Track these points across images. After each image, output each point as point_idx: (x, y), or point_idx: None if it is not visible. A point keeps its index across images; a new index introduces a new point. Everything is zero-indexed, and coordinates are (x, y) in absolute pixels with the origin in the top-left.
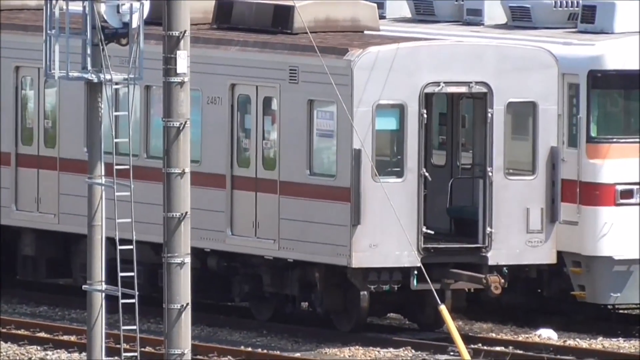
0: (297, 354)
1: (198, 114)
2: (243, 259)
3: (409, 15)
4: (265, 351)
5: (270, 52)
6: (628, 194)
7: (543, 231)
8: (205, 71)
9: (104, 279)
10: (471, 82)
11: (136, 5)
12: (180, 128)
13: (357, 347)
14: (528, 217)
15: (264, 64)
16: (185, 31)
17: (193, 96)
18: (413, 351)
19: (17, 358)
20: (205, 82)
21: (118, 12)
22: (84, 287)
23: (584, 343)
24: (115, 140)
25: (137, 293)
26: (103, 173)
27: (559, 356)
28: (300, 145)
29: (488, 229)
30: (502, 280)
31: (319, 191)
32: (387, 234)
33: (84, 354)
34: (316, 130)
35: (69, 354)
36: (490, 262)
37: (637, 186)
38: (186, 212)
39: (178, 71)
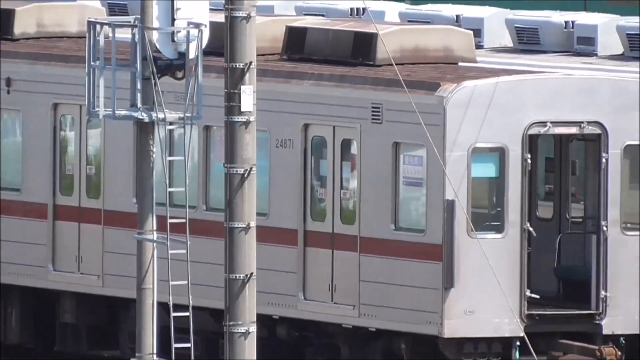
0: None
1: (265, 158)
2: (317, 328)
3: (510, 44)
4: None
5: (349, 87)
6: None
7: None
8: (274, 109)
9: (155, 351)
10: (583, 122)
11: (194, 32)
12: (245, 175)
13: None
14: None
15: (342, 100)
16: (250, 63)
17: (260, 138)
18: None
19: None
20: (274, 121)
21: (173, 40)
22: None
23: None
24: (169, 189)
25: None
26: (155, 228)
27: None
28: (383, 195)
29: (602, 292)
30: (619, 353)
31: (406, 248)
32: (485, 298)
33: None
34: (402, 178)
35: None
36: (605, 331)
37: None
38: (251, 274)
39: (242, 109)
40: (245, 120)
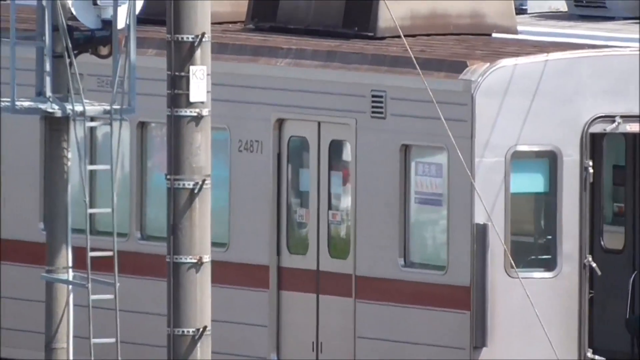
0: None
1: (224, 167)
2: None
3: (563, 8)
4: None
5: (340, 68)
6: None
7: None
8: (235, 98)
9: None
10: None
11: None
12: (196, 190)
13: None
14: None
15: (330, 87)
16: (203, 34)
17: (216, 139)
18: None
19: None
20: (237, 116)
21: (95, 3)
22: None
23: None
24: (90, 210)
25: None
26: (70, 264)
27: None
28: (388, 218)
29: None
30: None
31: (420, 292)
32: None
33: None
34: (414, 193)
35: None
36: None
37: None
38: (205, 327)
39: (192, 99)
40: (195, 114)
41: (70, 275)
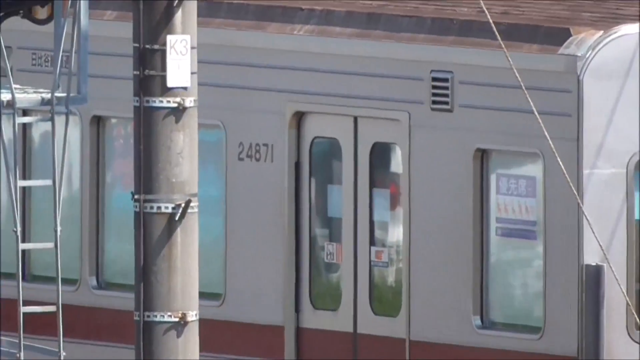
0: None
1: (218, 183)
2: None
3: None
4: None
5: (386, 38)
6: None
7: None
8: (235, 83)
9: None
10: None
11: None
12: (177, 217)
13: None
14: None
15: (372, 65)
16: None
17: (206, 142)
18: None
19: None
20: (236, 108)
21: None
22: None
23: None
24: (22, 246)
25: None
26: None
27: None
28: (458, 256)
29: None
30: None
31: None
32: None
33: None
34: (496, 221)
35: None
36: None
37: None
38: None
39: (170, 83)
40: (175, 105)
41: None
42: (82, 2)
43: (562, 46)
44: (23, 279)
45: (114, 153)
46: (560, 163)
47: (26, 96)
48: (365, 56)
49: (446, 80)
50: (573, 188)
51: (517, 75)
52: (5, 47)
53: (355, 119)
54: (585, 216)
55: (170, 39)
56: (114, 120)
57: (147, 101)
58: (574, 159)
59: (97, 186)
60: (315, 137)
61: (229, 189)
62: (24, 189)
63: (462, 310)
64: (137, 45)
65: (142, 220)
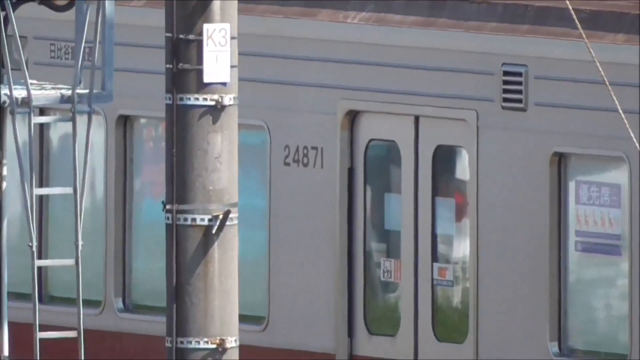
0: None
1: (261, 191)
2: None
3: None
4: None
5: (452, 27)
6: None
7: None
8: (280, 79)
9: None
10: None
11: None
12: (214, 230)
13: None
14: None
15: (436, 58)
16: None
17: (248, 144)
18: None
19: None
20: (281, 107)
21: None
22: None
23: None
24: (38, 262)
25: None
26: (6, 351)
27: None
28: (533, 275)
29: None
30: None
31: None
32: None
33: None
34: (575, 235)
35: None
36: None
37: None
38: None
39: (207, 78)
40: (213, 103)
41: None
42: None
43: None
44: (39, 300)
45: (143, 157)
46: None
47: (43, 93)
48: (428, 48)
49: (519, 74)
50: None
51: (600, 69)
52: (20, 37)
53: (416, 119)
54: None
55: (207, 27)
56: (143, 121)
57: (181, 99)
58: None
59: (123, 195)
60: (370, 140)
61: (273, 198)
62: (40, 198)
63: (537, 336)
64: (169, 35)
65: (175, 234)
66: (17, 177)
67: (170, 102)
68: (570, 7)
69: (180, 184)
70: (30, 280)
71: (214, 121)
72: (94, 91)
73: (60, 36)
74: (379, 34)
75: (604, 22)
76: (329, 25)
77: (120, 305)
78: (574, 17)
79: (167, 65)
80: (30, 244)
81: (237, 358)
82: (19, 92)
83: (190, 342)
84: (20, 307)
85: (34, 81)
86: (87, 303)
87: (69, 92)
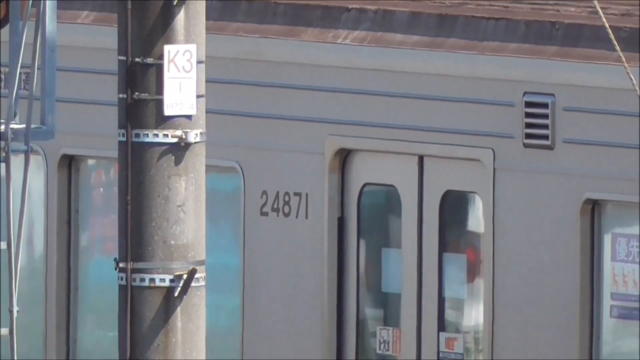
0: None
1: (233, 246)
2: None
3: None
4: None
5: (463, 49)
6: None
7: None
8: (257, 111)
9: None
10: None
11: None
12: (176, 292)
13: None
14: None
15: (444, 85)
16: None
17: (218, 191)
18: None
19: None
20: (258, 146)
21: None
22: None
23: None
24: None
25: None
26: None
27: None
28: (560, 346)
29: None
30: None
31: None
32: None
33: None
34: (611, 296)
35: None
36: None
37: None
38: None
39: (168, 111)
40: (175, 140)
41: None
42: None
43: None
44: None
45: (91, 206)
46: None
47: None
48: (435, 73)
49: (545, 105)
50: None
51: None
52: None
53: (421, 159)
54: None
55: (169, 49)
56: (90, 162)
57: (137, 135)
58: None
59: (68, 250)
60: (365, 184)
61: (247, 255)
62: None
63: None
64: (123, 58)
65: (130, 297)
66: None
67: (124, 139)
68: (607, 25)
69: (136, 238)
70: None
71: (177, 162)
72: (32, 126)
73: None
74: (375, 56)
75: None
76: (316, 46)
77: None
78: (612, 36)
79: (121, 95)
80: None
81: None
82: None
83: None
84: None
85: None
86: None
87: (2, 127)
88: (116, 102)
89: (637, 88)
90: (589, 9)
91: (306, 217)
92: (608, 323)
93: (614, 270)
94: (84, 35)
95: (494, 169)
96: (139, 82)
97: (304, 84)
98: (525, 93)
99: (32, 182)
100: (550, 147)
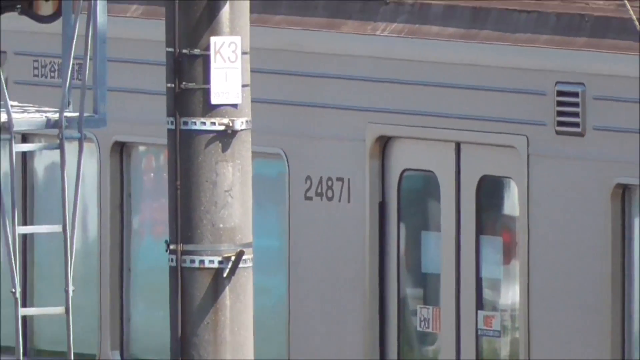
0: None
1: (278, 229)
2: None
3: None
4: None
5: (496, 40)
6: None
7: None
8: (300, 100)
9: None
10: None
11: None
12: (225, 273)
13: None
14: None
15: (479, 75)
16: None
17: (263, 176)
18: None
19: None
20: (301, 133)
21: None
22: None
23: None
24: (22, 311)
25: None
26: None
27: None
28: (594, 323)
29: None
30: None
31: None
32: None
33: None
34: None
35: None
36: None
37: None
38: None
39: (215, 100)
40: (222, 128)
41: None
42: None
43: None
44: (24, 354)
45: (142, 190)
46: None
47: (26, 117)
48: (470, 64)
49: (576, 94)
50: None
51: None
52: (0, 51)
53: (458, 146)
54: None
55: (214, 41)
56: (141, 148)
57: (185, 123)
58: None
59: (120, 234)
60: (404, 170)
61: (293, 237)
62: (24, 237)
63: None
64: (171, 49)
65: (180, 278)
66: None
67: (172, 126)
68: (634, 17)
69: (185, 221)
70: (14, 332)
71: (224, 149)
72: (85, 114)
73: (45, 51)
74: (413, 48)
75: None
76: (356, 38)
77: (118, 359)
78: (638, 28)
79: (169, 85)
80: (14, 291)
81: None
82: None
83: None
84: None
85: (15, 103)
86: (80, 357)
87: (56, 116)
88: (164, 91)
89: None
90: (617, 2)
91: (348, 202)
92: (639, 301)
93: None
94: (134, 28)
95: (528, 155)
96: (186, 72)
97: (345, 74)
98: (557, 82)
99: (86, 168)
100: (581, 134)
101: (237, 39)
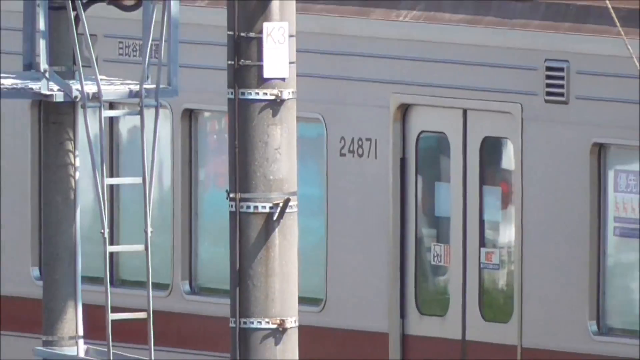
0: None
1: (318, 181)
2: None
3: None
4: None
5: (497, 25)
6: None
7: None
8: (335, 74)
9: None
10: None
11: None
12: (275, 217)
13: None
14: None
15: (482, 54)
16: None
17: (305, 137)
18: None
19: None
20: (337, 101)
21: None
22: None
23: None
24: (110, 248)
25: None
26: (81, 331)
27: None
28: (574, 259)
29: None
30: None
31: None
32: None
33: None
34: (614, 220)
35: None
36: None
37: None
38: None
39: (267, 74)
40: (273, 97)
41: (81, 349)
42: None
43: None
44: (111, 284)
45: (207, 149)
46: None
47: (113, 88)
48: (475, 44)
49: (561, 70)
50: None
51: (637, 64)
52: (90, 35)
53: (465, 112)
54: None
55: (267, 26)
56: (206, 114)
57: (242, 93)
58: None
59: (189, 185)
60: (421, 132)
61: (330, 187)
62: (111, 187)
63: (577, 316)
64: (231, 33)
65: (238, 221)
66: (88, 168)
67: (232, 96)
68: (609, 6)
69: (242, 174)
70: (103, 266)
71: (274, 114)
72: (161, 86)
73: (128, 35)
74: (429, 31)
75: None
76: (382, 23)
77: (187, 288)
78: (613, 15)
79: (229, 62)
80: (102, 231)
81: (296, 337)
82: (90, 88)
83: (253, 323)
84: (93, 290)
85: (104, 77)
86: (156, 286)
87: (137, 87)
88: (226, 67)
89: (634, 56)
90: None
91: (375, 158)
92: (612, 240)
93: (616, 199)
94: (201, 15)
95: (522, 119)
96: (243, 51)
97: (373, 53)
98: (546, 60)
99: (161, 130)
100: (565, 102)
101: (285, 25)
